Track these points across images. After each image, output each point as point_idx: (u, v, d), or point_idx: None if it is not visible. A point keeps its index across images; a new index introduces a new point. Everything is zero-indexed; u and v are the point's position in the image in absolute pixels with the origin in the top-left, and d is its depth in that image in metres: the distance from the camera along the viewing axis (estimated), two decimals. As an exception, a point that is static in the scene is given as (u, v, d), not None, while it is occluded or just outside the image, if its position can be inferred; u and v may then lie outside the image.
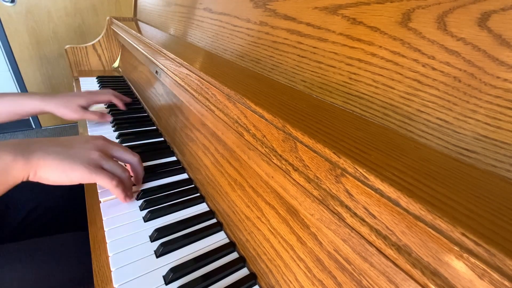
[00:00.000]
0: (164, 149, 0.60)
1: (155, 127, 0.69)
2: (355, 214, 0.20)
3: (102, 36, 1.09)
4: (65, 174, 0.35)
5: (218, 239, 0.40)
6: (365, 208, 0.20)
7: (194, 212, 0.44)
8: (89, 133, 0.62)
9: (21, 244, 0.45)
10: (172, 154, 0.58)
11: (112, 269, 0.33)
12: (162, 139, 0.64)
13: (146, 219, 0.41)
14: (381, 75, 0.30)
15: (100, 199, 0.43)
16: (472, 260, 0.14)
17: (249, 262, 0.36)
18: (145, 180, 0.49)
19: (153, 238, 0.38)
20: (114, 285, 0.32)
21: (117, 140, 0.60)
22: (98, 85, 0.94)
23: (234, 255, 0.38)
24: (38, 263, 0.44)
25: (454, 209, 0.16)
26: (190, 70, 0.44)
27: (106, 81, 0.97)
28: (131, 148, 0.57)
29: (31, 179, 0.34)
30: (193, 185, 0.50)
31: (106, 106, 0.76)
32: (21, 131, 1.99)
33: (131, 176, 0.45)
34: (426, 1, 0.27)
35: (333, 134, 0.24)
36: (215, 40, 0.60)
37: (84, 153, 0.37)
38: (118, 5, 1.97)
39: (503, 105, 0.23)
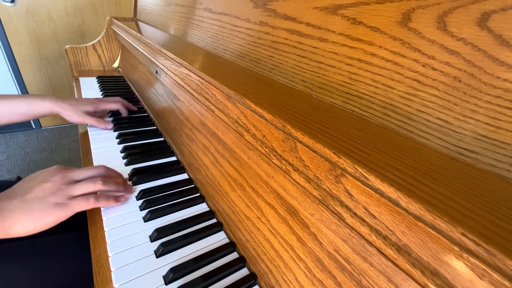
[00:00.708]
0: (164, 149, 0.60)
1: (155, 127, 0.69)
2: (355, 214, 0.20)
3: (102, 36, 1.09)
4: (38, 222, 0.34)
5: (218, 239, 0.40)
6: (365, 208, 0.20)
7: (194, 212, 0.44)
8: (89, 133, 0.62)
9: (21, 244, 0.45)
10: (172, 154, 0.58)
11: (112, 269, 0.33)
12: (162, 139, 0.64)
13: (146, 219, 0.41)
14: (381, 75, 0.30)
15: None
16: (472, 260, 0.14)
17: (249, 262, 0.36)
18: (145, 180, 0.49)
19: (153, 238, 0.38)
20: (114, 285, 0.32)
21: (117, 140, 0.60)
22: (98, 85, 0.94)
23: (234, 255, 0.38)
24: (38, 263, 0.44)
25: (454, 209, 0.16)
26: (190, 70, 0.44)
27: (106, 81, 0.97)
28: (131, 148, 0.57)
29: (3, 237, 0.33)
30: (193, 185, 0.50)
31: (109, 113, 0.74)
32: (21, 131, 1.99)
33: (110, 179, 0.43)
34: (426, 1, 0.27)
35: (333, 134, 0.24)
36: (215, 40, 0.60)
37: (47, 194, 0.36)
38: (118, 5, 1.97)
39: (503, 105, 0.23)
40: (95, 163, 0.53)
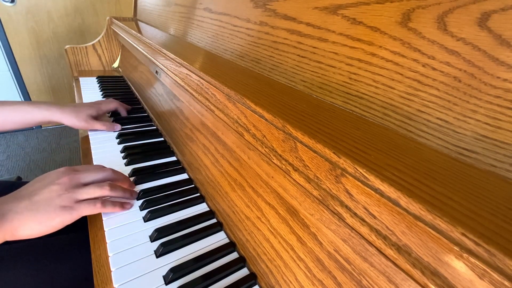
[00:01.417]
0: (164, 149, 0.60)
1: (155, 127, 0.69)
2: (355, 214, 0.20)
3: (102, 36, 1.09)
4: (44, 225, 0.34)
5: (218, 239, 0.40)
6: (365, 208, 0.20)
7: (194, 212, 0.44)
8: (89, 133, 0.62)
9: (21, 245, 0.45)
10: (172, 154, 0.58)
11: (112, 269, 0.33)
12: (162, 139, 0.64)
13: (146, 219, 0.41)
14: (381, 75, 0.30)
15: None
16: (472, 260, 0.14)
17: (249, 262, 0.36)
18: (145, 180, 0.49)
19: (153, 238, 0.38)
20: (114, 285, 0.32)
21: (117, 140, 0.60)
22: (98, 85, 0.94)
23: (234, 255, 0.38)
24: (38, 264, 0.44)
25: (454, 209, 0.16)
26: (190, 70, 0.44)
27: (106, 81, 0.97)
28: (131, 148, 0.57)
29: (10, 239, 0.33)
30: (193, 185, 0.50)
31: (109, 114, 0.74)
32: (21, 131, 1.99)
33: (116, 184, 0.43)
34: (426, 1, 0.27)
35: (333, 134, 0.24)
36: (215, 40, 0.60)
37: (54, 197, 0.36)
38: (118, 5, 1.97)
39: (503, 105, 0.23)
40: (95, 164, 0.53)
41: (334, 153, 0.21)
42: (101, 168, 0.43)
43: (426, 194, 0.17)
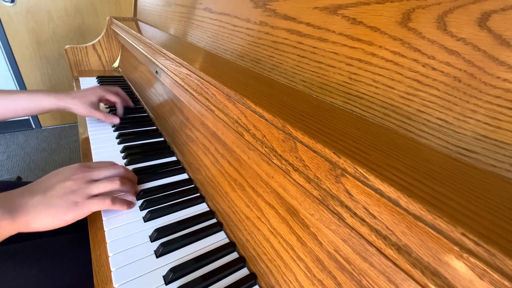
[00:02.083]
0: (164, 149, 0.60)
1: (155, 127, 0.69)
2: (355, 214, 0.20)
3: (102, 36, 1.09)
4: (57, 219, 0.35)
5: (218, 239, 0.40)
6: (365, 208, 0.20)
7: (194, 212, 0.44)
8: (89, 133, 0.62)
9: (21, 245, 0.45)
10: (172, 154, 0.58)
11: (112, 269, 0.33)
12: (162, 139, 0.64)
13: (146, 219, 0.41)
14: (381, 75, 0.30)
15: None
16: (472, 260, 0.14)
17: (249, 262, 0.36)
18: (145, 180, 0.49)
19: (153, 238, 0.38)
20: (114, 285, 0.32)
21: (117, 140, 0.60)
22: (98, 85, 0.94)
23: (234, 255, 0.38)
24: (38, 264, 0.44)
25: (454, 209, 0.16)
26: (190, 70, 0.44)
27: (106, 81, 0.97)
28: (131, 148, 0.57)
29: (24, 231, 0.34)
30: (193, 185, 0.50)
31: (107, 106, 0.75)
32: (21, 131, 1.99)
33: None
34: (426, 1, 0.27)
35: (333, 134, 0.24)
36: (215, 40, 0.60)
37: (67, 192, 0.37)
38: (118, 5, 1.97)
39: (503, 105, 0.23)
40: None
41: (334, 153, 0.21)
42: (113, 164, 0.44)
43: (426, 194, 0.17)
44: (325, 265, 0.26)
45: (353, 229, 0.21)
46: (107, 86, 0.71)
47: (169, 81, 0.55)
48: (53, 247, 0.47)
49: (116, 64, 1.15)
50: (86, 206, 0.37)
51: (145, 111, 0.77)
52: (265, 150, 0.29)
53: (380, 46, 0.30)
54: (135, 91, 0.90)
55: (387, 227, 0.18)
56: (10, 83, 1.85)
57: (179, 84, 0.49)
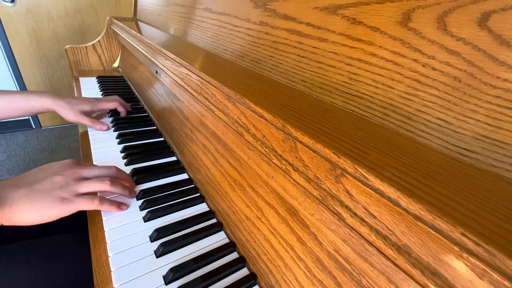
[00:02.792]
0: (164, 149, 0.60)
1: (155, 127, 0.69)
2: (355, 214, 0.20)
3: (102, 36, 1.09)
4: (40, 214, 0.34)
5: (218, 239, 0.40)
6: (365, 208, 0.20)
7: (194, 212, 0.44)
8: (89, 133, 0.62)
9: (22, 245, 0.45)
10: (172, 154, 0.58)
11: (112, 269, 0.33)
12: (162, 139, 0.64)
13: (146, 219, 0.41)
14: (381, 75, 0.30)
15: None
16: (472, 260, 0.14)
17: (249, 262, 0.36)
18: (145, 180, 0.49)
19: (153, 238, 0.38)
20: (114, 285, 0.32)
21: (117, 140, 0.60)
22: (98, 85, 0.94)
23: (234, 255, 0.38)
24: (38, 264, 0.44)
25: (454, 209, 0.16)
26: (190, 70, 0.44)
27: (106, 81, 0.97)
28: (131, 148, 0.57)
29: (6, 224, 0.33)
30: (193, 185, 0.50)
31: (109, 114, 0.74)
32: (21, 131, 1.99)
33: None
34: (426, 1, 0.27)
35: (333, 134, 0.24)
36: (215, 40, 0.60)
37: (55, 187, 0.36)
38: (118, 5, 1.97)
39: (503, 105, 0.23)
40: (95, 163, 0.53)
41: (334, 153, 0.21)
42: (106, 166, 0.43)
43: (426, 194, 0.17)
44: (325, 265, 0.26)
45: (353, 229, 0.21)
46: (106, 97, 0.70)
47: (169, 81, 0.55)
48: (53, 247, 0.47)
49: (116, 64, 1.15)
50: (72, 204, 0.36)
51: (145, 111, 0.77)
52: (265, 150, 0.29)
53: (380, 46, 0.30)
54: (135, 91, 0.90)
55: (387, 227, 0.18)
56: (10, 83, 1.85)
57: (179, 84, 0.49)
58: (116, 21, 1.01)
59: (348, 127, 0.27)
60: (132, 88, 0.93)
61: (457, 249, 0.15)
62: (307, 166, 0.24)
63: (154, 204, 0.43)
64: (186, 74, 0.45)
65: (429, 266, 0.16)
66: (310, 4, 0.38)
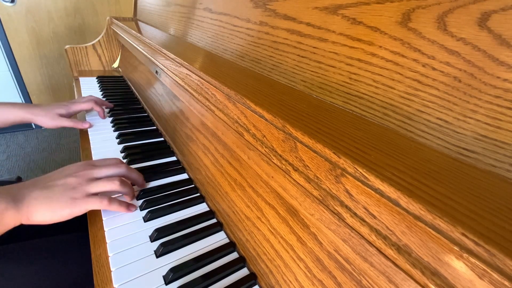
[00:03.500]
0: (164, 149, 0.60)
1: (155, 127, 0.69)
2: (355, 214, 0.20)
3: (102, 36, 1.09)
4: (55, 214, 0.36)
5: (218, 239, 0.40)
6: (365, 208, 0.20)
7: (194, 212, 0.44)
8: (89, 133, 0.62)
9: (22, 245, 0.45)
10: (172, 154, 0.58)
11: (112, 269, 0.33)
12: (162, 139, 0.64)
13: (146, 219, 0.41)
14: (381, 75, 0.30)
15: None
16: (472, 260, 0.14)
17: (249, 262, 0.36)
18: (145, 180, 0.49)
19: (153, 238, 0.38)
20: (114, 285, 0.32)
21: (117, 140, 0.60)
22: (98, 85, 0.94)
23: (234, 255, 0.38)
24: (38, 264, 0.44)
25: (454, 209, 0.16)
26: (190, 70, 0.44)
27: (106, 81, 0.97)
28: (131, 148, 0.57)
29: (25, 223, 0.35)
30: (193, 185, 0.50)
31: (109, 114, 0.73)
32: (21, 131, 1.98)
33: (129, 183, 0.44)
34: (426, 1, 0.27)
35: (333, 134, 0.24)
36: (215, 40, 0.60)
37: (67, 189, 0.37)
38: (118, 5, 1.97)
39: (503, 105, 0.23)
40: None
41: (334, 153, 0.21)
42: (117, 163, 0.44)
43: (426, 194, 0.17)
44: (325, 265, 0.26)
45: (353, 229, 0.21)
46: (79, 98, 0.69)
47: (169, 81, 0.55)
48: (53, 247, 0.47)
49: (116, 64, 1.15)
50: (83, 204, 0.37)
51: (145, 111, 0.77)
52: (265, 150, 0.29)
53: (380, 46, 0.30)
54: (135, 91, 0.90)
55: (387, 227, 0.18)
56: (10, 83, 1.85)
57: (179, 84, 0.49)
58: (116, 21, 1.01)
59: (348, 127, 0.27)
60: (132, 88, 0.93)
61: (457, 249, 0.15)
62: (307, 166, 0.24)
63: (154, 204, 0.43)
64: (186, 74, 0.45)
65: (429, 266, 0.16)
66: (310, 4, 0.38)
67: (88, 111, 0.71)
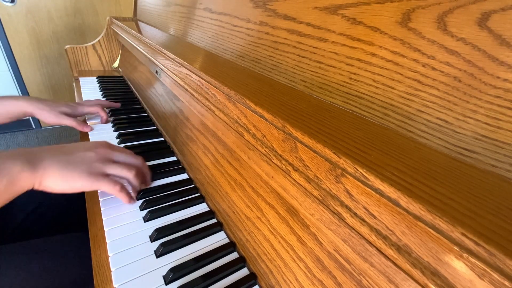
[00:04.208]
0: (164, 149, 0.60)
1: (155, 127, 0.69)
2: (355, 214, 0.20)
3: (102, 36, 1.09)
4: (67, 183, 0.36)
5: (218, 239, 0.40)
6: (365, 208, 0.20)
7: (194, 212, 0.44)
8: (90, 136, 0.62)
9: (21, 245, 0.45)
10: (172, 154, 0.58)
11: (112, 269, 0.33)
12: (162, 139, 0.64)
13: (146, 219, 0.41)
14: (381, 75, 0.30)
15: (99, 199, 0.43)
16: (472, 260, 0.14)
17: (249, 262, 0.36)
18: (145, 180, 0.49)
19: (153, 238, 0.38)
20: (114, 285, 0.32)
21: (117, 140, 0.60)
22: (98, 85, 0.94)
23: (234, 255, 0.38)
24: (38, 264, 0.44)
25: (454, 209, 0.16)
26: (190, 70, 0.44)
27: (106, 81, 0.97)
28: (131, 148, 0.57)
29: (37, 188, 0.35)
30: (193, 185, 0.50)
31: (109, 114, 0.73)
32: (21, 131, 1.99)
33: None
34: (426, 1, 0.27)
35: (333, 134, 0.24)
36: (215, 40, 0.60)
37: (85, 162, 0.37)
38: (118, 5, 1.97)
39: (503, 105, 0.23)
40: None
41: (334, 153, 0.21)
42: (134, 154, 0.45)
43: (426, 194, 0.17)
44: (325, 265, 0.26)
45: (353, 229, 0.21)
46: (86, 101, 0.69)
47: (169, 81, 0.55)
48: (53, 247, 0.47)
49: (116, 64, 1.15)
50: (97, 181, 0.37)
51: (145, 111, 0.77)
52: (265, 150, 0.29)
53: (380, 46, 0.30)
54: (135, 91, 0.90)
55: (387, 227, 0.18)
56: (10, 83, 1.85)
57: (179, 84, 0.49)
58: (116, 21, 1.01)
59: (348, 127, 0.27)
60: (132, 88, 0.93)
61: (457, 249, 0.15)
62: (307, 166, 0.24)
63: (154, 204, 0.43)
64: (186, 74, 0.45)
65: (429, 266, 0.16)
66: (310, 4, 0.38)
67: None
